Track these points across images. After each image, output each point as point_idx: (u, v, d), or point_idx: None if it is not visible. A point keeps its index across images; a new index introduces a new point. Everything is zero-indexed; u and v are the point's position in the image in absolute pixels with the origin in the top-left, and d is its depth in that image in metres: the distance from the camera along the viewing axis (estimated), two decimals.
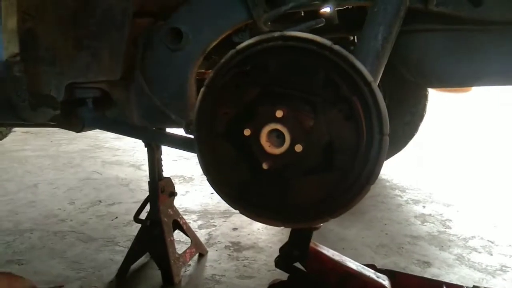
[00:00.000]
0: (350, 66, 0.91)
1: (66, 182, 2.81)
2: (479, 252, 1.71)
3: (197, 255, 1.69)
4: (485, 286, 1.16)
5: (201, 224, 2.04)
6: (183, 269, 1.56)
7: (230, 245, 1.80)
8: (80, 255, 1.72)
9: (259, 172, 0.97)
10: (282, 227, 1.03)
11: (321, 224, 1.16)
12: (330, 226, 1.98)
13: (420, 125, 2.81)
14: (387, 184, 2.67)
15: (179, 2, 1.24)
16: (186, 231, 1.66)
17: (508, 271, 1.57)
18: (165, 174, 1.60)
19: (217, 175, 1.01)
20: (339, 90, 0.90)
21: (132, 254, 1.55)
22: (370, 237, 1.86)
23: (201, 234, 1.90)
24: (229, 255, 1.71)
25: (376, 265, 1.21)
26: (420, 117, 2.80)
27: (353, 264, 1.14)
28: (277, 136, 0.94)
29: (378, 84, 2.89)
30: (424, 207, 2.24)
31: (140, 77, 1.33)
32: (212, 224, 2.04)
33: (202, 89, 0.99)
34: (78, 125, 1.37)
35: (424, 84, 1.49)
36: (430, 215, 2.12)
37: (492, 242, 1.80)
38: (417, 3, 1.12)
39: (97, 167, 3.20)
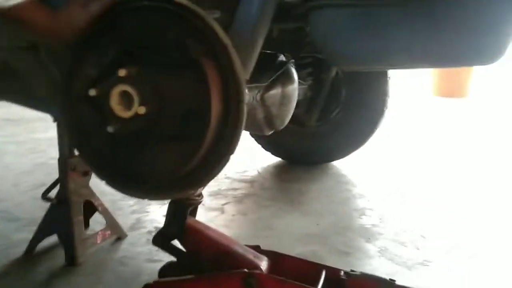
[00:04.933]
0: (204, 26, 0.87)
1: (22, 166, 2.78)
2: (405, 246, 1.65)
3: (114, 238, 1.65)
4: (363, 272, 1.10)
5: (135, 210, 1.99)
6: (91, 250, 1.52)
7: (154, 230, 1.75)
8: None
9: (119, 139, 0.93)
10: (147, 200, 0.98)
11: (200, 199, 1.12)
12: (261, 215, 1.94)
13: (380, 121, 2.75)
14: (342, 179, 2.61)
15: None
16: (102, 212, 1.62)
17: (428, 265, 1.51)
18: None
19: (81, 140, 0.97)
20: (188, 51, 0.86)
21: (39, 232, 1.52)
22: (299, 227, 1.81)
23: (130, 219, 1.86)
24: (148, 239, 1.66)
25: (260, 246, 1.16)
26: (380, 113, 2.73)
27: (232, 243, 1.10)
28: (129, 98, 0.90)
29: (338, 77, 2.78)
30: (369, 201, 2.18)
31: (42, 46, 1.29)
32: (146, 210, 1.99)
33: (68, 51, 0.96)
34: None
35: (333, 63, 1.44)
36: (371, 209, 2.06)
37: (424, 237, 1.74)
38: None
39: None
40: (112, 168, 0.96)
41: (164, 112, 0.88)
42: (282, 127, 1.83)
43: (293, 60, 1.83)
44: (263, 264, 1.06)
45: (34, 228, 1.73)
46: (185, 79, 0.87)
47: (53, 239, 1.56)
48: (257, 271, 1.01)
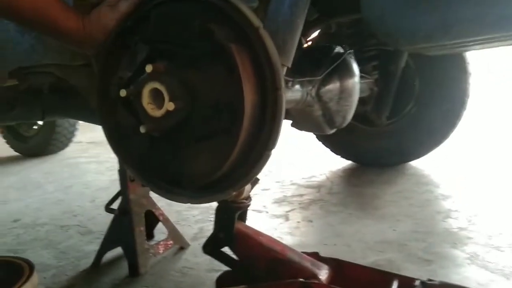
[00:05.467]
0: (231, 9, 0.79)
1: (99, 183, 2.94)
2: (501, 251, 1.40)
3: (176, 248, 1.62)
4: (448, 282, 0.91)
5: (199, 219, 1.97)
6: (153, 261, 1.51)
7: None
8: (70, 246, 1.75)
9: (154, 140, 0.89)
10: (188, 203, 0.92)
11: (248, 202, 1.03)
12: (329, 221, 1.79)
13: (462, 113, 2.45)
14: (423, 180, 2.36)
15: None
16: (163, 222, 1.61)
17: None
18: None
19: (118, 144, 0.94)
20: (214, 37, 0.78)
21: (105, 244, 1.54)
22: (372, 233, 1.63)
23: (193, 229, 1.84)
24: None
25: (319, 252, 1.03)
26: (462, 103, 2.44)
27: (286, 250, 0.99)
28: (161, 98, 0.85)
29: (409, 67, 2.54)
30: (454, 202, 1.92)
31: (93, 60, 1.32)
32: (209, 219, 1.96)
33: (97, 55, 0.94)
34: (38, 113, 1.40)
35: (393, 45, 1.27)
36: (457, 210, 1.81)
37: None
38: None
39: None
40: (150, 171, 0.91)
41: (195, 108, 0.82)
42: (344, 125, 1.68)
43: (352, 51, 1.68)
44: (322, 273, 0.94)
45: None
46: (214, 70, 0.80)
47: (120, 249, 1.58)
48: (315, 281, 0.89)
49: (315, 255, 1.01)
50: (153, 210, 1.58)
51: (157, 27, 0.84)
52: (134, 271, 1.43)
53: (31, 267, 1.21)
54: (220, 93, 0.80)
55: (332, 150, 2.76)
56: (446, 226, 1.65)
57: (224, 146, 0.81)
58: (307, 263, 0.96)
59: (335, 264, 0.99)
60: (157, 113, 0.83)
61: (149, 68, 0.80)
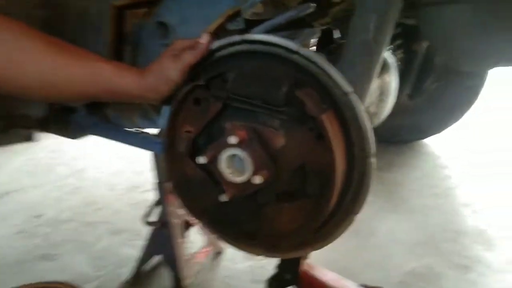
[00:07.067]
0: (320, 71, 0.74)
1: (112, 166, 2.89)
2: None
3: (213, 253, 1.64)
4: None
5: None
6: (196, 270, 1.53)
7: None
8: (105, 250, 1.76)
9: (229, 201, 0.86)
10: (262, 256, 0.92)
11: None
12: (362, 217, 1.81)
13: (480, 90, 2.44)
14: (438, 162, 2.38)
15: None
16: (201, 230, 1.61)
17: None
18: None
19: (187, 196, 0.91)
20: (304, 107, 0.73)
21: (145, 255, 1.55)
22: (406, 232, 1.67)
23: None
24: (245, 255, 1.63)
25: None
26: (482, 81, 2.42)
27: None
28: (240, 161, 0.81)
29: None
30: (475, 192, 1.96)
31: None
32: None
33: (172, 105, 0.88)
34: (73, 132, 1.34)
35: (456, 67, 1.23)
36: (482, 203, 1.84)
37: None
38: None
39: None
40: (225, 226, 0.89)
41: (279, 174, 0.78)
42: (378, 124, 1.66)
43: (390, 47, 1.62)
44: None
45: (137, 242, 1.79)
46: (300, 134, 0.76)
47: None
48: None
49: None
50: (190, 220, 1.58)
51: (235, 85, 0.78)
52: (179, 284, 1.45)
53: None
54: (306, 157, 0.77)
55: None
56: (474, 224, 1.69)
57: (310, 210, 0.79)
58: None
59: None
60: (238, 178, 0.79)
61: (234, 140, 0.75)
